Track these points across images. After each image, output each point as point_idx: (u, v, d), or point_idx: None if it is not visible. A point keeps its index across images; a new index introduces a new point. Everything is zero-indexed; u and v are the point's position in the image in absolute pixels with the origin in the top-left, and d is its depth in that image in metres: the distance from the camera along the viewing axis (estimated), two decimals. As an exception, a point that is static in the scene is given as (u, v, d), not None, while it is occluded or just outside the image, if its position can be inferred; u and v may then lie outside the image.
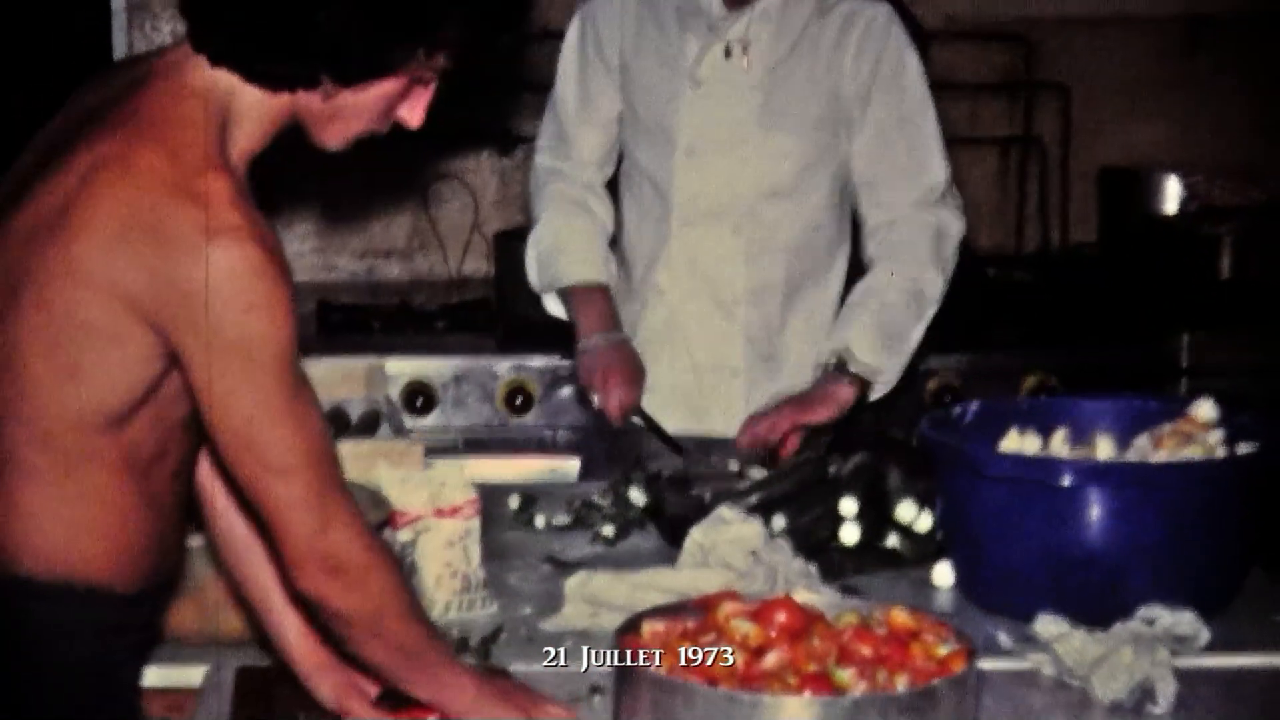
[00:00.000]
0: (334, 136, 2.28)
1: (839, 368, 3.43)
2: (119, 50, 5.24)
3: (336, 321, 4.87)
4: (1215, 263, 4.86)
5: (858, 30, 3.59)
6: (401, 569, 2.41)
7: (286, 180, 2.51)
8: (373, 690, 2.44)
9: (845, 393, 3.43)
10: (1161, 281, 4.87)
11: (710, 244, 3.63)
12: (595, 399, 3.53)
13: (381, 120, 2.29)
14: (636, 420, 3.56)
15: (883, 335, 3.49)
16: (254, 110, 2.24)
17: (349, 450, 2.93)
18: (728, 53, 3.60)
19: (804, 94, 3.60)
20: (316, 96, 2.23)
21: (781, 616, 2.25)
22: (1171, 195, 5.24)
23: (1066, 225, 5.58)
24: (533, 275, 3.73)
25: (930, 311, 3.57)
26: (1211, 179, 5.25)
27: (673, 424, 3.61)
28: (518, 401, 4.61)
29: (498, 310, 4.90)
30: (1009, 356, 4.67)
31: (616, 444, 3.67)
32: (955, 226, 3.62)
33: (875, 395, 3.49)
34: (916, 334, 3.57)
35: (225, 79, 2.22)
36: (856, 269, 3.67)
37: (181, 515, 2.42)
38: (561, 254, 3.68)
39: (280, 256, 2.17)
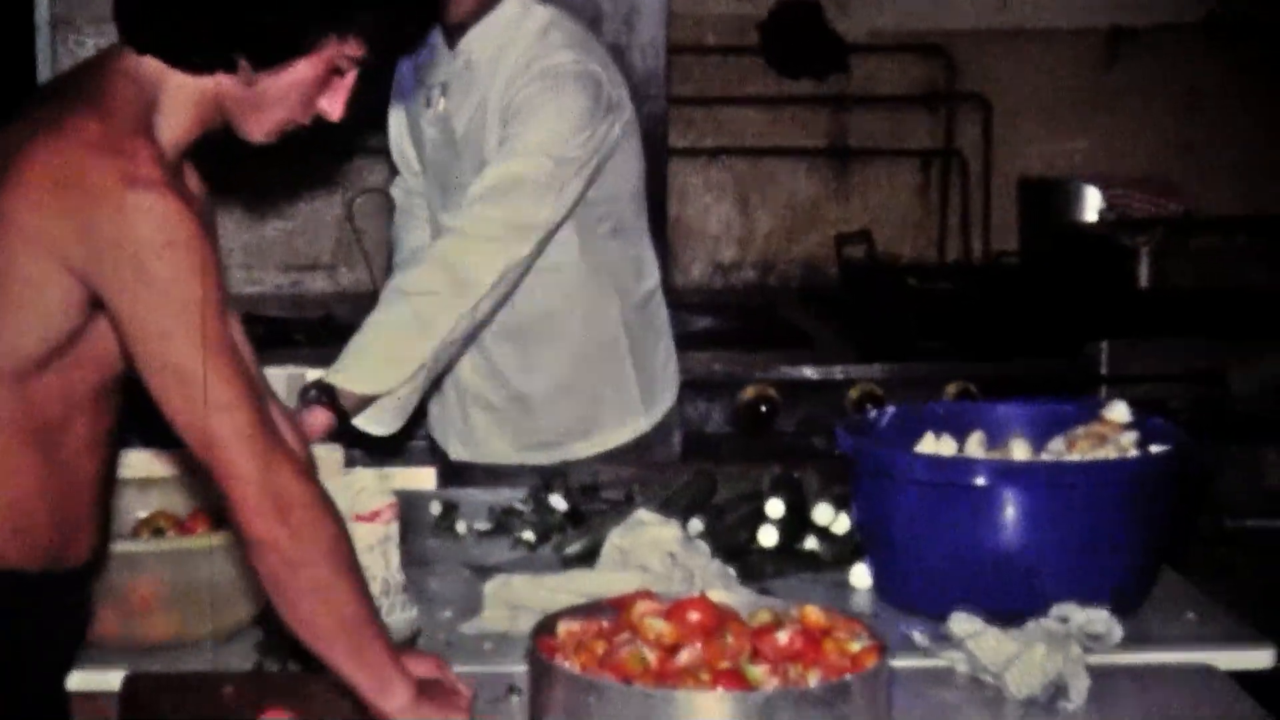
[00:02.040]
0: (258, 126, 2.36)
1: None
2: (43, 65, 5.23)
3: (260, 335, 4.82)
4: (1134, 272, 4.90)
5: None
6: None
7: (211, 193, 2.56)
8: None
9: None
10: (1081, 291, 4.91)
11: None
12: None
13: (302, 110, 2.36)
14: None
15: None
16: (180, 98, 2.32)
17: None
18: (442, 94, 3.63)
19: (484, 135, 3.58)
20: (238, 83, 2.31)
21: (695, 615, 2.27)
22: (1091, 206, 5.27)
23: (988, 236, 5.61)
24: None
25: None
26: (1130, 190, 5.29)
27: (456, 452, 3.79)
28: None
29: (422, 322, 4.89)
30: (930, 366, 4.69)
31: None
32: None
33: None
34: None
35: (153, 67, 2.31)
36: None
37: (98, 497, 2.44)
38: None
39: (200, 220, 2.24)
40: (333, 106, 2.38)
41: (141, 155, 2.22)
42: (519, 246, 3.41)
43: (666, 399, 3.77)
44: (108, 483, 2.46)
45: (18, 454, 2.32)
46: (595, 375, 3.68)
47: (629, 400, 3.70)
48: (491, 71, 3.53)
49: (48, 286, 2.24)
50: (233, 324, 2.33)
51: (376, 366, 3.36)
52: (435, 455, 3.88)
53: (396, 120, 3.85)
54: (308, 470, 2.32)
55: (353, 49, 2.31)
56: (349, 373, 3.34)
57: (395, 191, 3.93)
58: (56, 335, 2.28)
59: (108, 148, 2.22)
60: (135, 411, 2.43)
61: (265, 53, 2.29)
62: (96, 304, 2.25)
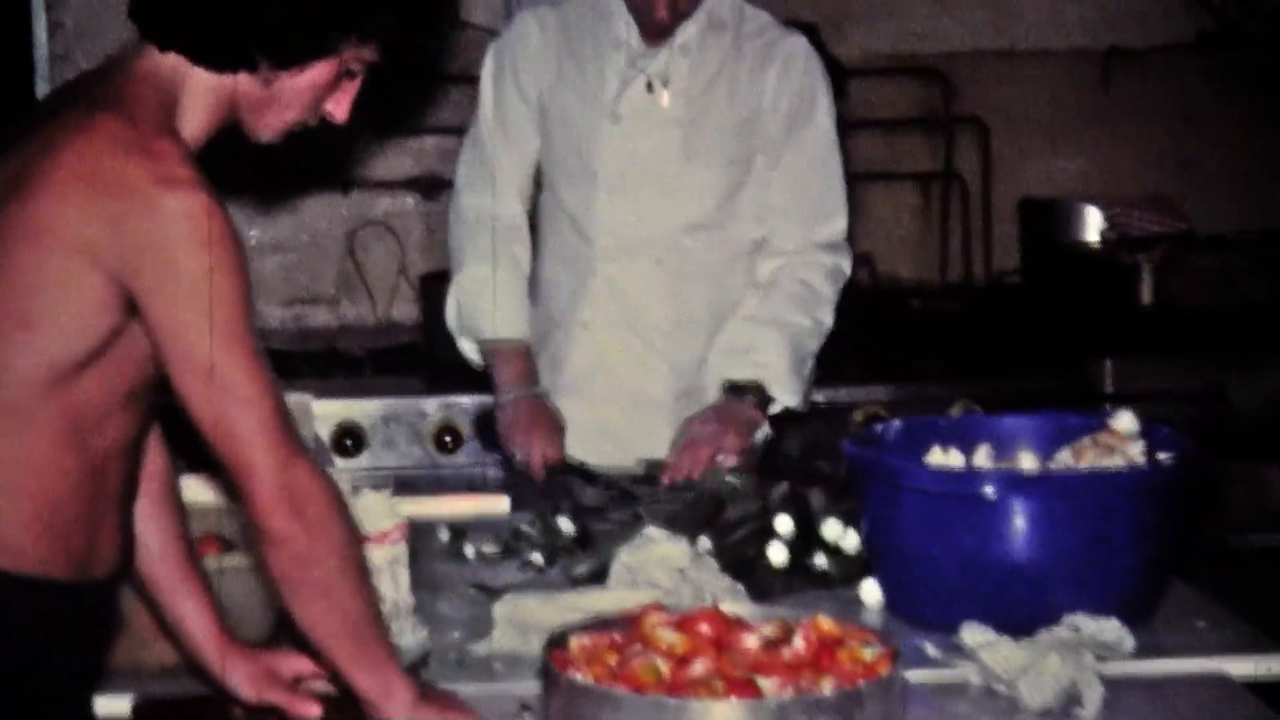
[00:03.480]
0: (268, 125, 2.40)
1: (744, 390, 3.48)
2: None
3: (264, 367, 4.85)
4: (1136, 290, 4.91)
5: (776, 63, 3.65)
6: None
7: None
8: (291, 674, 2.48)
9: (753, 415, 3.49)
10: (1083, 309, 4.92)
11: (633, 278, 3.66)
12: (517, 454, 3.57)
13: (312, 111, 2.40)
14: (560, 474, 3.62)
15: (794, 364, 3.54)
16: (200, 95, 2.35)
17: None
18: (648, 87, 3.63)
19: (723, 128, 3.64)
20: (256, 83, 2.35)
21: (706, 626, 2.27)
22: (1092, 225, 5.28)
23: (989, 257, 5.62)
24: (451, 318, 3.77)
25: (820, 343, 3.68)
26: (1130, 209, 5.29)
27: (599, 457, 3.64)
28: (447, 440, 4.62)
29: (425, 352, 4.91)
30: (934, 386, 4.70)
31: (547, 484, 3.68)
32: (848, 267, 3.72)
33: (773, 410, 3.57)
34: (813, 365, 3.67)
35: (172, 65, 2.34)
36: None
37: (123, 506, 2.44)
38: (483, 305, 3.72)
39: (229, 217, 2.26)
40: (338, 108, 2.42)
41: (172, 154, 2.25)
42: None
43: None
44: (130, 495, 2.46)
45: (55, 454, 2.32)
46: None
47: None
48: (710, 50, 3.64)
49: (82, 288, 2.26)
50: None
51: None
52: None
53: (521, 144, 3.77)
54: (323, 470, 2.33)
55: (368, 52, 2.36)
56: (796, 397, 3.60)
57: (477, 225, 3.78)
58: (94, 336, 2.29)
59: (138, 148, 2.24)
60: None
61: (287, 53, 2.32)
62: (132, 305, 2.27)
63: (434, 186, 5.40)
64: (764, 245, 3.67)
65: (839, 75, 5.50)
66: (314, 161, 5.35)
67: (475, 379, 4.14)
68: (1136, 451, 2.87)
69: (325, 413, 4.44)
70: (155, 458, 2.56)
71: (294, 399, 3.83)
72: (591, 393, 3.69)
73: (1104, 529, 2.70)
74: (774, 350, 3.55)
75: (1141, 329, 4.85)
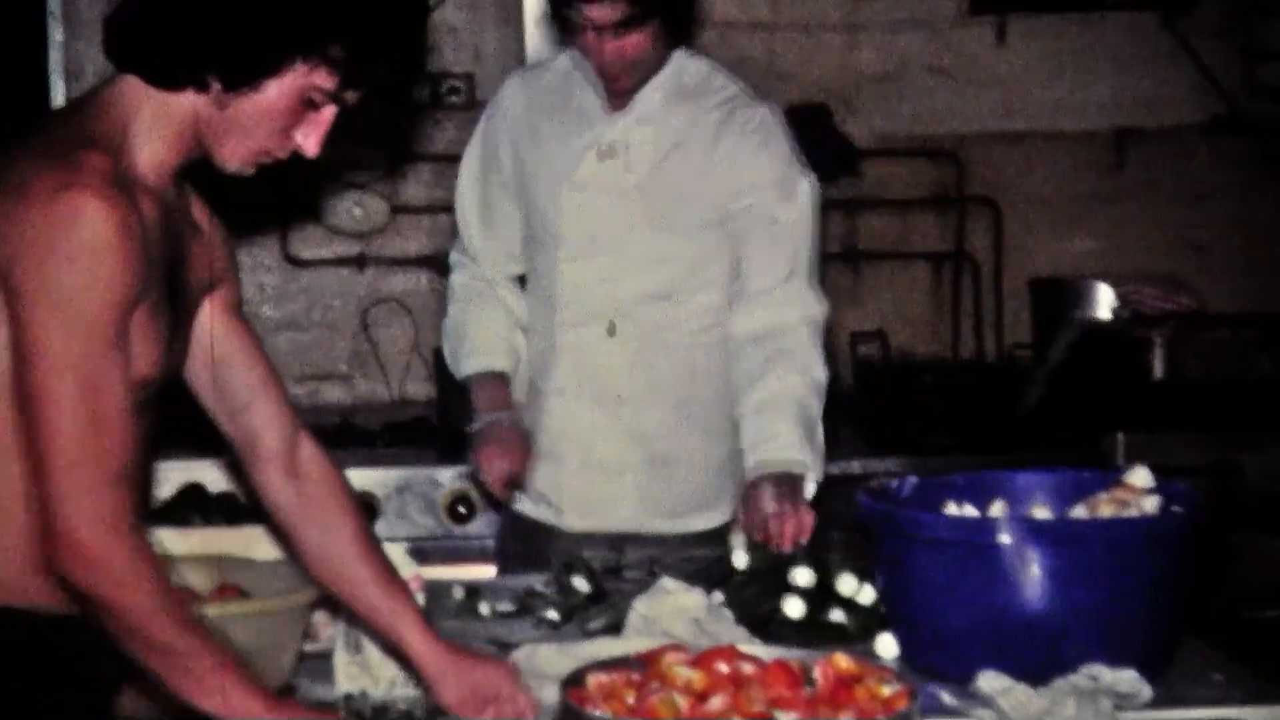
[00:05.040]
0: (232, 153, 2.40)
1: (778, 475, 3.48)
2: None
3: (277, 438, 4.85)
4: (1148, 365, 4.92)
5: (735, 128, 3.63)
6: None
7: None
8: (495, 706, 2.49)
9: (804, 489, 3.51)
10: (1095, 384, 4.92)
11: (593, 345, 3.67)
12: (480, 474, 3.59)
13: (278, 141, 2.40)
14: (518, 493, 3.66)
15: (810, 439, 3.54)
16: (158, 118, 2.37)
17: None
18: (608, 155, 3.64)
19: (686, 195, 3.63)
20: (211, 105, 2.35)
21: (723, 665, 2.27)
22: (1103, 303, 5.29)
23: (1000, 335, 5.64)
24: (451, 367, 3.80)
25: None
26: (1141, 286, 5.31)
27: (570, 521, 3.69)
28: (461, 510, 4.62)
29: (439, 425, 4.91)
30: (947, 460, 4.70)
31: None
32: (823, 311, 3.66)
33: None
34: (821, 428, 3.63)
35: (131, 89, 2.37)
36: None
37: (133, 534, 2.41)
38: (463, 344, 3.76)
39: (130, 226, 2.24)
40: (307, 142, 2.42)
41: (85, 163, 2.25)
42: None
43: None
44: (138, 523, 2.45)
45: (30, 483, 2.28)
46: (730, 444, 3.67)
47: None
48: (672, 119, 3.63)
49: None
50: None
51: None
52: (515, 532, 3.86)
53: (501, 211, 3.79)
54: (127, 526, 2.27)
55: (322, 79, 2.36)
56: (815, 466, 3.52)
57: (460, 278, 3.85)
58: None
59: (53, 155, 2.26)
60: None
61: (233, 71, 2.33)
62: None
63: (446, 263, 5.41)
64: (738, 293, 3.65)
65: (851, 155, 5.57)
66: (329, 239, 5.40)
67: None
68: (1151, 505, 2.87)
69: (339, 482, 4.43)
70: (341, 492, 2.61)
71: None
72: (564, 460, 3.70)
73: (1121, 578, 2.69)
74: (788, 435, 3.52)
75: (1154, 403, 4.85)
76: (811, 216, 3.65)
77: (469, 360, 3.75)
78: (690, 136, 3.64)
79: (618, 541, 3.61)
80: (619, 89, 3.60)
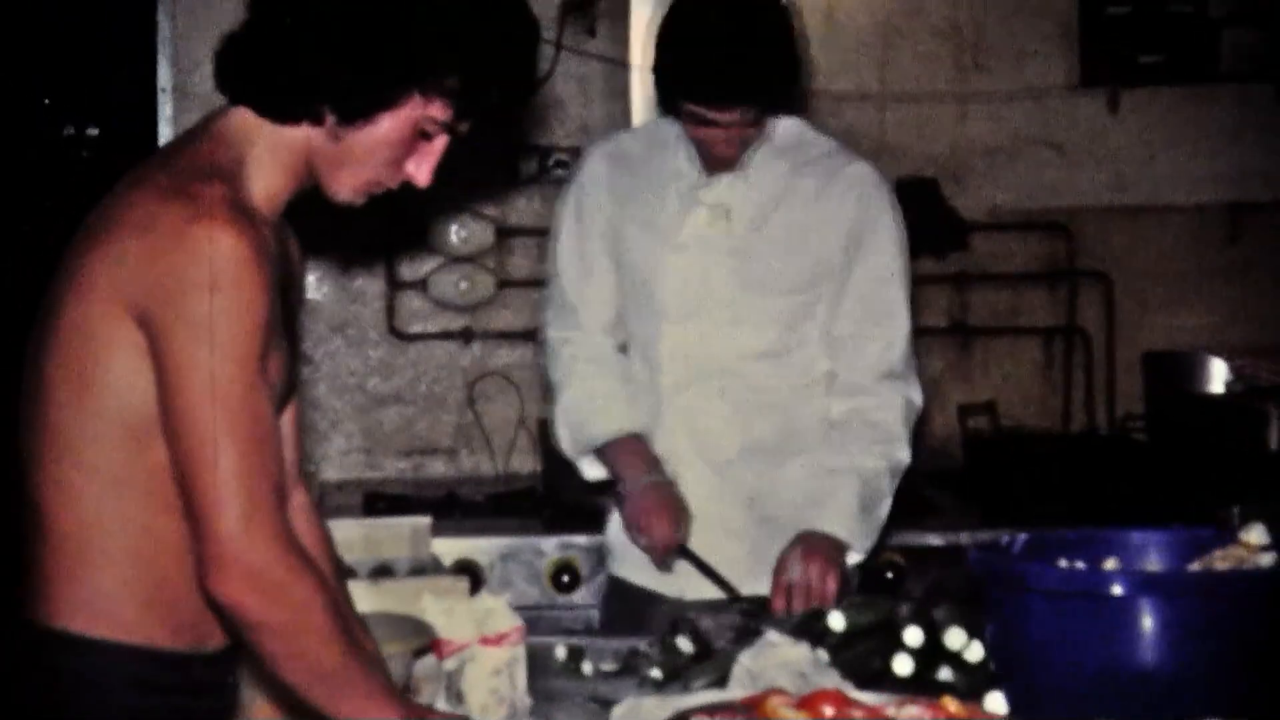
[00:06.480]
0: (344, 184, 2.40)
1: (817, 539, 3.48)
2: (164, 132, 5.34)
3: (382, 509, 4.84)
4: (1265, 437, 4.83)
5: (838, 189, 3.63)
6: (350, 606, 2.47)
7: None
8: None
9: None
10: (1210, 457, 4.85)
11: (700, 406, 3.65)
12: (641, 540, 3.55)
13: (390, 172, 2.40)
14: (682, 559, 3.57)
15: (865, 514, 3.56)
16: (271, 151, 2.37)
17: (394, 587, 2.92)
18: (711, 215, 3.62)
19: (786, 255, 3.62)
20: (326, 138, 2.35)
21: (829, 709, 2.22)
22: (1216, 377, 5.23)
23: (1112, 409, 5.58)
24: (565, 444, 3.76)
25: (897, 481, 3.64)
26: (1257, 360, 5.24)
27: (681, 586, 3.66)
28: (565, 579, 4.59)
29: (545, 495, 4.90)
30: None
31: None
32: (918, 398, 3.69)
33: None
34: (889, 505, 3.64)
35: (244, 122, 2.37)
36: None
37: None
38: (590, 414, 3.71)
39: (261, 252, 2.25)
40: (419, 171, 2.41)
41: (207, 195, 2.25)
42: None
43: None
44: None
45: (150, 517, 2.30)
46: None
47: None
48: (770, 176, 3.63)
49: (125, 343, 2.25)
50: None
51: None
52: (619, 597, 3.84)
53: (603, 281, 3.78)
54: (291, 543, 2.27)
55: (437, 110, 2.35)
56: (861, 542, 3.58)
57: (569, 352, 3.80)
58: (152, 391, 2.27)
59: (178, 191, 2.26)
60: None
61: (349, 105, 2.33)
62: None
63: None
64: (833, 380, 3.65)
65: (960, 229, 5.53)
66: (435, 313, 5.40)
67: (595, 520, 4.13)
68: (1268, 561, 2.81)
69: (443, 550, 4.41)
70: (319, 547, 2.56)
71: (412, 521, 3.87)
72: None
73: (1238, 631, 2.63)
74: (845, 500, 3.52)
75: (1271, 475, 4.76)
76: (906, 285, 3.67)
77: (602, 425, 3.70)
78: (791, 192, 3.63)
79: (720, 603, 3.55)
80: (724, 158, 3.59)
